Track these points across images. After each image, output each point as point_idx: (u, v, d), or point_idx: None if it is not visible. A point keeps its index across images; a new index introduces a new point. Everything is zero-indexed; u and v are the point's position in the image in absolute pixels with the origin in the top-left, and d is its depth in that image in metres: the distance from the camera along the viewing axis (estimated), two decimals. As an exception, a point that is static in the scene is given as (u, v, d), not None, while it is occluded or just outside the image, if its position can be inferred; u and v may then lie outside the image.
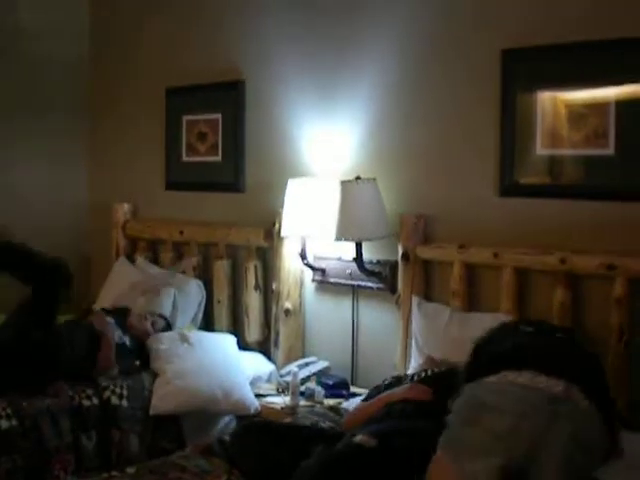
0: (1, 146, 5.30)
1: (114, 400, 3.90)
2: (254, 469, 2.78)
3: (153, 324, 4.47)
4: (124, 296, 4.78)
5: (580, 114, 3.47)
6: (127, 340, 4.30)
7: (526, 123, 3.61)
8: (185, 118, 5.08)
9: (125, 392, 3.95)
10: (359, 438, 2.66)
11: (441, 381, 3.26)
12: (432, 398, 3.14)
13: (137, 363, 4.18)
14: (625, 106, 3.34)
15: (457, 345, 3.64)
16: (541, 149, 3.59)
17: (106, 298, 4.90)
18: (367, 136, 4.18)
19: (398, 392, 3.25)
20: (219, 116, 4.89)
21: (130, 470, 2.88)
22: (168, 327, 4.54)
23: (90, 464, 3.72)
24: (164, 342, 4.25)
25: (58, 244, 5.47)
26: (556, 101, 3.54)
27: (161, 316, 4.57)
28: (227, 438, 3.07)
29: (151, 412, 3.94)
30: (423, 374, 3.42)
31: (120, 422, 3.87)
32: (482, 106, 3.77)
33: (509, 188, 3.69)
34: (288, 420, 3.57)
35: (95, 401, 3.86)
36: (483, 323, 3.61)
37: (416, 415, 2.89)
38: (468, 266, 3.77)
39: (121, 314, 4.47)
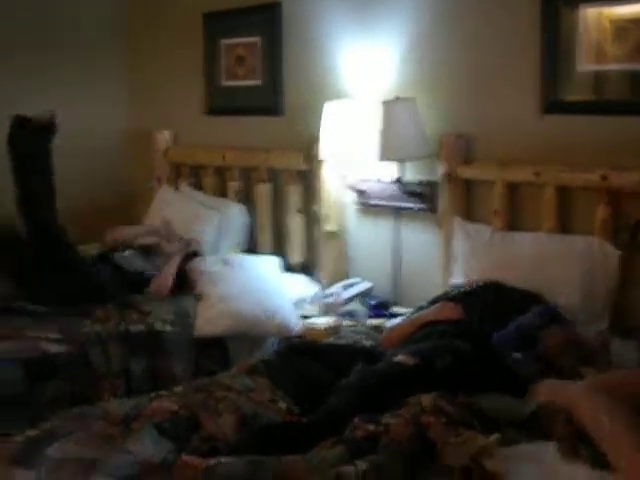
0: (38, 74, 5.28)
1: (158, 325, 3.92)
2: (296, 387, 2.81)
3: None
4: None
5: (624, 28, 3.39)
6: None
7: (568, 39, 3.54)
8: (223, 42, 5.06)
9: (169, 317, 3.98)
10: (399, 357, 2.70)
11: (472, 298, 3.28)
12: (463, 316, 3.17)
13: None
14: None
15: (499, 264, 3.66)
16: (584, 65, 3.53)
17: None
18: (406, 56, 4.12)
19: (429, 312, 3.29)
20: (257, 39, 4.85)
21: (177, 389, 2.95)
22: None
23: (139, 388, 3.75)
24: (208, 265, 4.29)
25: (99, 173, 5.54)
26: (600, 16, 3.46)
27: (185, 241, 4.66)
28: (270, 358, 3.12)
29: (195, 334, 3.96)
30: (455, 292, 3.45)
31: (166, 347, 3.89)
32: (524, 22, 3.69)
33: (552, 105, 3.64)
34: (331, 339, 3.62)
35: (141, 327, 3.91)
36: (525, 242, 3.63)
37: (456, 337, 2.91)
38: (509, 185, 3.74)
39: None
